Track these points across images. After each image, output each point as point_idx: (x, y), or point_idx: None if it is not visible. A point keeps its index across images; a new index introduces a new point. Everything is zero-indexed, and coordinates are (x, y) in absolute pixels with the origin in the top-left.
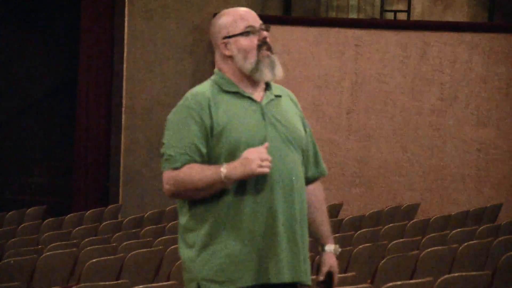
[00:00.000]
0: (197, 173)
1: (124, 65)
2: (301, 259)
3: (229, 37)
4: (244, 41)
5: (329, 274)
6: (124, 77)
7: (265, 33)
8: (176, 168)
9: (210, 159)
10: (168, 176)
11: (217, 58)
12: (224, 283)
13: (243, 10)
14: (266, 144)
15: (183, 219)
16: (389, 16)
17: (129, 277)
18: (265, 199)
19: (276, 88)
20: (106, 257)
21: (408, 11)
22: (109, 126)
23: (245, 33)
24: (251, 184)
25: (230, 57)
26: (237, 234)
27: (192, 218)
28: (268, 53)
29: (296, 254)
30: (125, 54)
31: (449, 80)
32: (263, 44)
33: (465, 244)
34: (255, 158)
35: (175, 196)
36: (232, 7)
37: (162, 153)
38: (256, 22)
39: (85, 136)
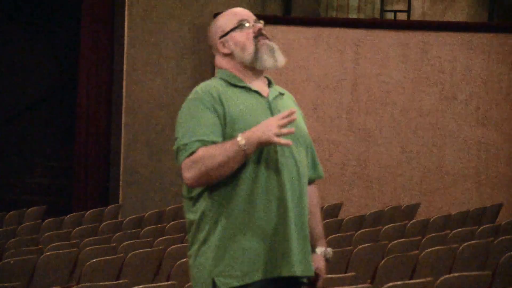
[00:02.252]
0: (215, 148)
1: (124, 65)
2: (309, 253)
3: (225, 35)
4: (239, 35)
5: (316, 276)
6: (124, 77)
7: (260, 25)
8: (192, 153)
9: None
10: (186, 163)
11: (218, 60)
12: (240, 278)
13: (235, 8)
14: (292, 111)
15: (194, 216)
16: (389, 16)
17: (129, 277)
18: (276, 194)
19: (278, 87)
20: (106, 257)
21: (408, 11)
22: (109, 126)
23: (239, 26)
24: (262, 180)
25: (230, 55)
26: (250, 229)
27: (204, 215)
28: (266, 41)
29: (305, 249)
30: (125, 54)
31: (449, 80)
32: (259, 35)
33: (465, 244)
34: (273, 125)
35: (198, 181)
36: (232, 7)
37: (176, 148)
38: (250, 17)
39: (85, 136)
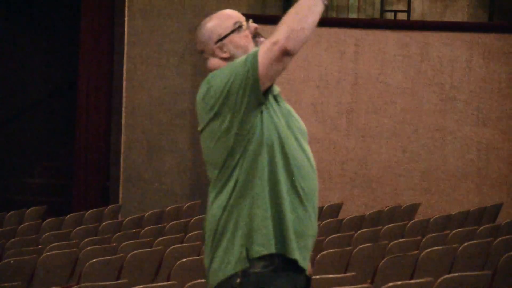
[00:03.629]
0: (289, 14)
1: (124, 65)
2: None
3: (222, 38)
4: (239, 38)
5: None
6: (124, 77)
7: (255, 24)
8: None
9: (243, 131)
10: (266, 44)
11: (214, 63)
12: (273, 246)
13: (226, 10)
14: None
15: (224, 197)
16: (389, 16)
17: (129, 277)
18: (300, 187)
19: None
20: (106, 257)
21: (408, 11)
22: (109, 126)
23: (236, 29)
24: (283, 173)
25: (229, 58)
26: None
27: (236, 195)
28: (263, 39)
29: (311, 248)
30: (125, 54)
31: (449, 80)
32: (256, 35)
33: (465, 244)
34: None
35: (294, 38)
36: (232, 7)
37: (245, 72)
38: (242, 18)
39: (85, 136)
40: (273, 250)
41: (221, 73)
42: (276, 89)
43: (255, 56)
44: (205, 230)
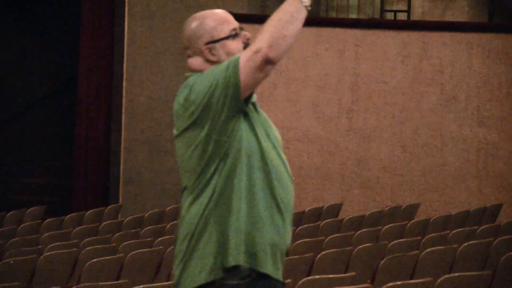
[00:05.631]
0: (273, 17)
1: (124, 65)
2: None
3: (215, 42)
4: (232, 45)
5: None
6: (124, 77)
7: (247, 33)
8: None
9: (221, 142)
10: (247, 52)
11: (197, 63)
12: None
13: (222, 12)
14: None
15: (200, 204)
16: (389, 16)
17: (129, 277)
18: (275, 196)
19: None
20: (106, 257)
21: (408, 11)
22: (109, 126)
23: (233, 35)
24: (260, 180)
25: (215, 62)
26: (254, 227)
27: (217, 202)
28: None
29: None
30: (125, 54)
31: (449, 80)
32: (247, 45)
33: (465, 244)
34: None
35: (276, 46)
36: (232, 7)
37: (226, 76)
38: (236, 24)
39: (85, 136)
40: (241, 262)
41: (202, 79)
42: (254, 96)
43: (236, 63)
44: (179, 236)
